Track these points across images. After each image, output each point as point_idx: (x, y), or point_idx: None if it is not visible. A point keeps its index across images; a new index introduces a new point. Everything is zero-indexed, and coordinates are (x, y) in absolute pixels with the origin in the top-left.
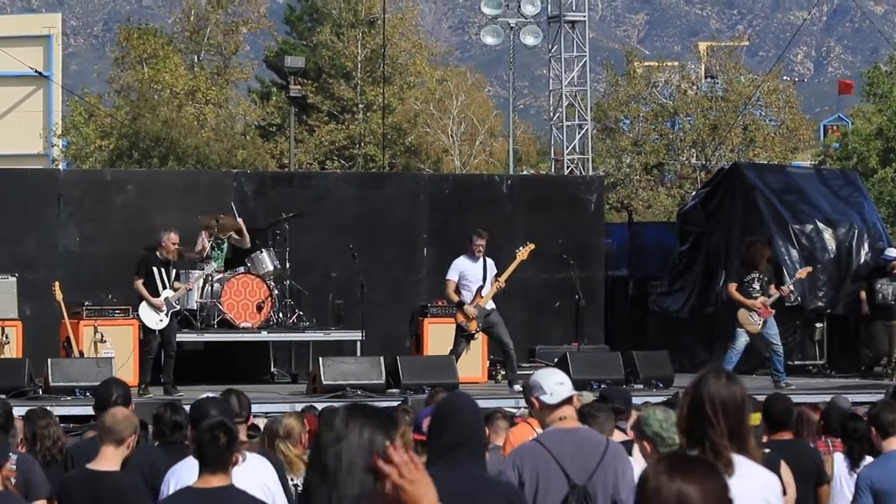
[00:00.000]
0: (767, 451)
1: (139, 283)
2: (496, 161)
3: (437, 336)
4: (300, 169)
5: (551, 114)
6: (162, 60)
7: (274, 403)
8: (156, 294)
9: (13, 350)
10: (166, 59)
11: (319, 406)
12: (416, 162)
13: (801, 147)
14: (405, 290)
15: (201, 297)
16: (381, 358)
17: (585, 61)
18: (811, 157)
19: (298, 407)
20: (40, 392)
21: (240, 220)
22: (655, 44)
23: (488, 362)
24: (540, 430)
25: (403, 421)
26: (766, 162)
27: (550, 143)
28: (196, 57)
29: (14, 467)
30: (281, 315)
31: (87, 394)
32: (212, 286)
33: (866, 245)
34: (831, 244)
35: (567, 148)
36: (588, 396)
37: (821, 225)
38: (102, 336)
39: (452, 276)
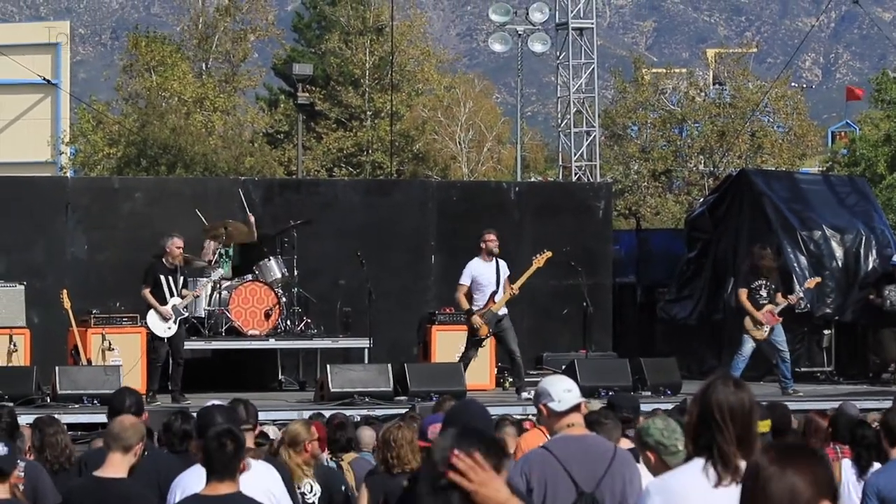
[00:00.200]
0: None
1: (146, 291)
2: (504, 168)
3: (445, 343)
4: (308, 176)
5: (559, 121)
6: (170, 68)
7: (282, 411)
8: (163, 302)
9: (21, 358)
10: (174, 66)
11: (327, 413)
12: (423, 169)
13: (808, 153)
14: (413, 298)
15: (209, 304)
16: (389, 365)
17: (593, 68)
18: (819, 163)
19: (306, 415)
20: (48, 400)
21: (250, 216)
22: (663, 50)
23: (496, 369)
24: (549, 437)
25: (413, 429)
26: (773, 168)
27: (558, 149)
28: (204, 64)
29: (22, 475)
30: (289, 322)
31: (95, 401)
32: (220, 294)
33: (874, 252)
34: (839, 251)
35: (575, 155)
36: (595, 404)
37: (829, 231)
38: (110, 344)
39: (465, 281)
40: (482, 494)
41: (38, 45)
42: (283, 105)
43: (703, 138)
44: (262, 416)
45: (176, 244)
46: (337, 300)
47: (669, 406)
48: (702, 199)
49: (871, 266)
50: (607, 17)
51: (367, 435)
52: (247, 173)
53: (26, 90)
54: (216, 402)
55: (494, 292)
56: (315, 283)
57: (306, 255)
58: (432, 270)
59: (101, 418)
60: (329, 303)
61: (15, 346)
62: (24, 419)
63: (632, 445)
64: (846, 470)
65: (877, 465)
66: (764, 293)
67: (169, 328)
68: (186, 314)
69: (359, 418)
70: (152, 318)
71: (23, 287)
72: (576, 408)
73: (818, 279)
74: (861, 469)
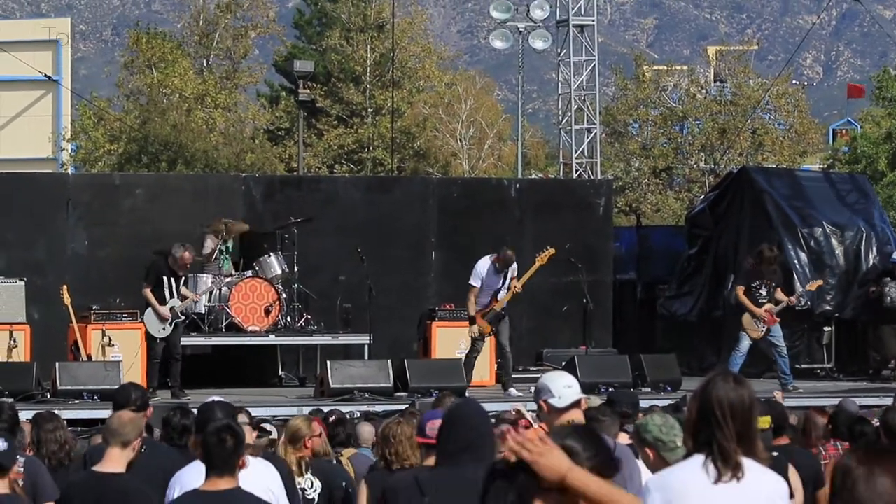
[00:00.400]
0: (775, 454)
1: (147, 290)
2: (505, 165)
3: (445, 339)
4: (309, 173)
5: (560, 118)
6: (171, 65)
7: (281, 407)
8: (163, 302)
9: (21, 354)
10: (175, 63)
11: (326, 409)
12: (424, 166)
13: (809, 151)
14: (413, 294)
15: (209, 301)
16: (389, 361)
17: (594, 65)
18: (820, 160)
19: (306, 411)
20: (48, 396)
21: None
22: (664, 48)
23: (496, 366)
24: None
25: (412, 424)
26: (774, 166)
27: (559, 146)
28: (205, 61)
29: (22, 470)
30: (289, 319)
31: (95, 397)
32: (220, 290)
33: (874, 249)
34: (839, 248)
35: (576, 152)
36: (595, 401)
37: (829, 229)
38: (110, 340)
39: (475, 282)
40: (542, 465)
41: (40, 42)
42: (284, 102)
43: (703, 135)
44: (261, 412)
45: (186, 259)
46: (337, 296)
47: (669, 402)
48: (702, 197)
49: (871, 263)
50: (608, 14)
51: (367, 431)
52: (248, 170)
53: (27, 87)
54: (217, 397)
55: (498, 290)
56: (315, 280)
57: (307, 252)
58: (432, 267)
59: (102, 414)
60: (329, 299)
61: (15, 341)
62: (24, 415)
63: (631, 441)
64: None
65: None
66: (764, 291)
67: (164, 329)
68: (183, 318)
69: (359, 414)
70: (149, 318)
71: (23, 283)
72: (576, 404)
73: (820, 282)
74: None
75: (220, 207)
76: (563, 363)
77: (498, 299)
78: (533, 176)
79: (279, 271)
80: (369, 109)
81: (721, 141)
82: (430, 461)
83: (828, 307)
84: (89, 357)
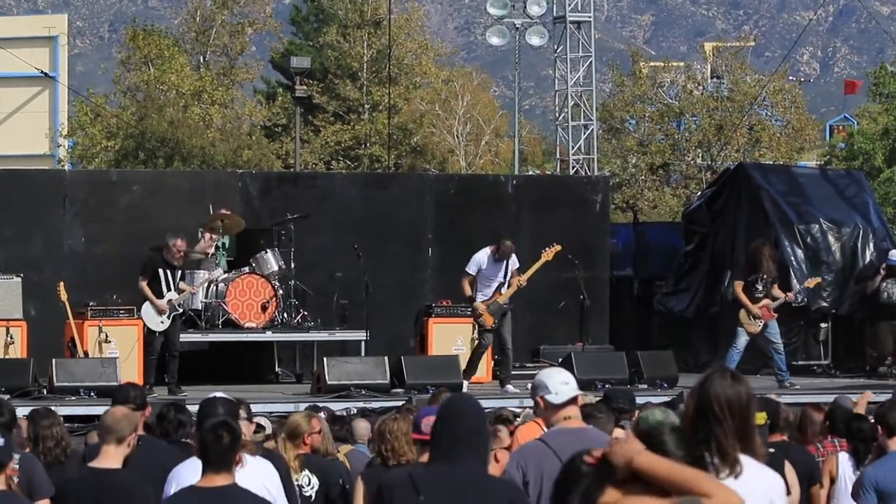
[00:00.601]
0: (772, 451)
1: (144, 284)
2: (502, 161)
3: (442, 336)
4: (306, 169)
5: (557, 114)
6: (168, 61)
7: (278, 403)
8: (160, 296)
9: (18, 350)
10: (172, 59)
11: (320, 405)
12: (421, 162)
13: (806, 147)
14: (410, 291)
15: (206, 297)
16: (386, 358)
17: (591, 62)
18: (817, 157)
19: (303, 407)
20: (45, 392)
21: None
22: (661, 44)
23: (493, 362)
24: (545, 430)
25: (409, 421)
26: (771, 162)
27: (556, 143)
28: (202, 57)
29: (17, 467)
30: (285, 315)
31: (92, 393)
32: (216, 286)
33: (871, 245)
34: (836, 245)
35: (572, 148)
36: (589, 398)
37: (826, 225)
38: (107, 336)
39: (471, 269)
40: (613, 451)
41: (36, 39)
42: (281, 98)
43: (700, 132)
44: (258, 408)
45: (178, 246)
46: (334, 293)
47: (665, 399)
48: (699, 193)
49: (868, 260)
50: (605, 11)
51: (363, 427)
52: (244, 166)
53: (24, 83)
54: (219, 393)
55: (501, 284)
56: (312, 276)
57: (303, 248)
58: (429, 263)
59: (98, 410)
60: (326, 295)
61: (12, 338)
62: (21, 411)
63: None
64: (843, 463)
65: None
66: (760, 287)
67: (162, 322)
68: (181, 310)
69: (355, 411)
70: (147, 311)
71: (20, 279)
72: (573, 400)
73: (818, 279)
74: (858, 462)
75: (216, 204)
76: (560, 359)
77: (501, 293)
78: (530, 172)
79: (276, 268)
80: (366, 106)
81: (718, 137)
82: (426, 458)
83: (824, 304)
84: (86, 353)
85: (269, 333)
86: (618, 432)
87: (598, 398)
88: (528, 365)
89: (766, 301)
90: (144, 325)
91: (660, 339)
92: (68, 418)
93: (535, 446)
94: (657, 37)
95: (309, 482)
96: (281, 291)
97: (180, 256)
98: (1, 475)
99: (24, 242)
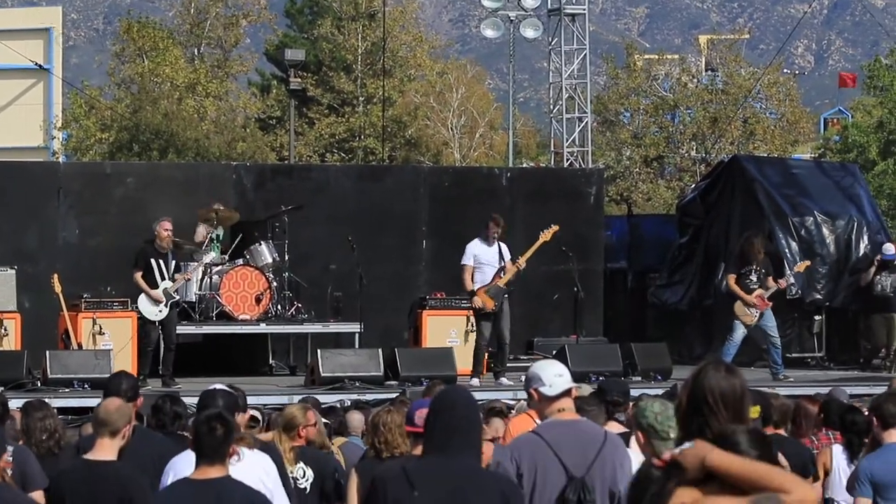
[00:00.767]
0: None
1: (138, 275)
2: (496, 154)
3: (436, 328)
4: (300, 161)
5: (551, 107)
6: (162, 53)
7: (272, 395)
8: (154, 286)
9: (12, 342)
10: (166, 51)
11: (317, 398)
12: (415, 155)
13: (801, 140)
14: (404, 283)
15: (200, 289)
16: (380, 350)
17: (585, 54)
18: (811, 150)
19: (296, 399)
20: (38, 384)
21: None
22: (656, 37)
23: (487, 355)
24: (539, 422)
25: (403, 413)
26: (766, 155)
27: (550, 135)
28: (196, 50)
29: (10, 459)
30: (279, 307)
31: (86, 386)
32: (210, 278)
33: (865, 238)
34: (830, 237)
35: (567, 141)
36: (586, 389)
37: (820, 217)
38: (101, 328)
39: (468, 261)
40: (684, 453)
41: (30, 31)
42: (276, 90)
43: (695, 124)
44: (252, 400)
45: (164, 226)
46: (328, 285)
47: (659, 391)
48: (693, 186)
49: (862, 252)
50: (599, 3)
51: (356, 419)
52: (239, 159)
53: (18, 75)
54: (220, 385)
55: (501, 269)
56: (306, 268)
57: (297, 240)
58: (423, 255)
59: (92, 402)
60: (320, 287)
61: (6, 330)
62: (15, 403)
63: (622, 429)
64: (837, 456)
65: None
66: (754, 278)
67: (160, 311)
68: (177, 298)
69: (349, 403)
70: (143, 302)
71: (14, 271)
72: (567, 392)
73: (807, 262)
74: (852, 454)
75: (211, 196)
76: (554, 352)
77: (501, 276)
78: (524, 165)
79: (270, 260)
80: (360, 98)
81: (712, 130)
82: (419, 450)
83: (818, 296)
84: (80, 345)
85: (263, 325)
86: (611, 425)
87: (594, 390)
88: (521, 357)
89: (759, 291)
90: (141, 316)
91: (654, 331)
92: (62, 410)
93: (529, 438)
94: (652, 29)
95: (304, 474)
96: (275, 283)
97: (169, 238)
98: None
99: (19, 234)
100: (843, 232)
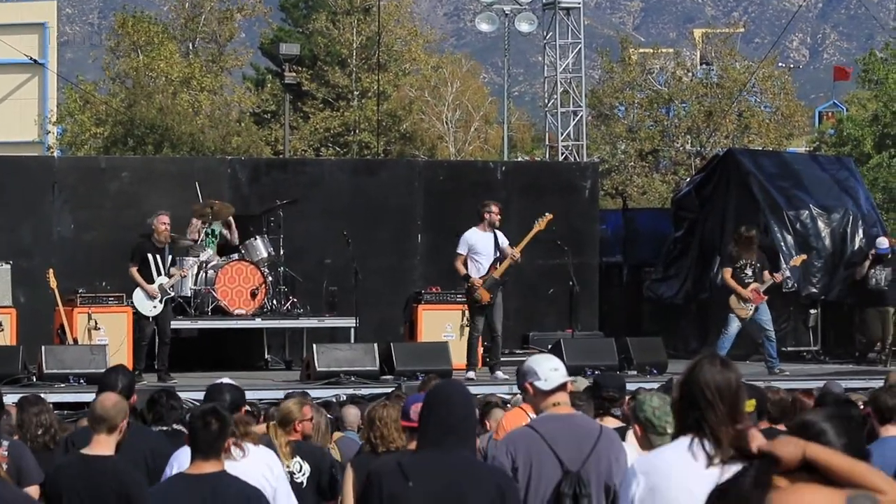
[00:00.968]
0: None
1: (134, 270)
2: (491, 148)
3: (431, 322)
4: (295, 156)
5: (546, 100)
6: (157, 48)
7: (268, 390)
8: (150, 281)
9: (7, 337)
10: (161, 46)
11: (312, 393)
12: (410, 149)
13: (796, 133)
14: (399, 277)
15: (195, 284)
16: (375, 344)
17: (580, 48)
18: (806, 143)
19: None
20: (34, 379)
21: (230, 217)
22: (651, 30)
23: (483, 349)
24: (533, 416)
25: (398, 408)
26: (760, 148)
27: (545, 129)
28: (191, 44)
29: (6, 454)
30: (275, 302)
31: (81, 381)
32: (206, 273)
33: (861, 231)
34: (826, 230)
35: (562, 134)
36: (582, 383)
37: (815, 211)
38: (96, 323)
39: (462, 250)
40: (777, 445)
41: (25, 25)
42: (270, 85)
43: (690, 118)
44: (248, 395)
45: (161, 220)
46: (323, 279)
47: (655, 385)
48: (688, 179)
49: (857, 246)
50: None
51: (352, 414)
52: (234, 153)
53: (13, 70)
54: (227, 380)
55: (496, 259)
56: (301, 263)
57: (292, 235)
58: (419, 250)
59: (88, 398)
60: (315, 282)
61: (1, 325)
62: (10, 398)
63: (617, 424)
64: None
65: None
66: (749, 272)
67: (155, 307)
68: (173, 293)
69: (345, 398)
70: (138, 297)
71: (9, 266)
72: (562, 387)
73: (803, 256)
74: None
75: (206, 190)
76: (549, 346)
77: (497, 267)
78: (519, 159)
79: (265, 254)
80: (355, 92)
81: (707, 124)
82: (415, 445)
83: (814, 289)
84: (75, 340)
85: (258, 320)
86: (607, 420)
87: (589, 384)
88: (517, 351)
89: (755, 284)
90: (136, 311)
91: (649, 325)
92: (58, 405)
93: (524, 433)
94: (646, 23)
95: (300, 469)
96: (270, 278)
97: (166, 233)
98: None
99: (14, 229)
100: (838, 225)
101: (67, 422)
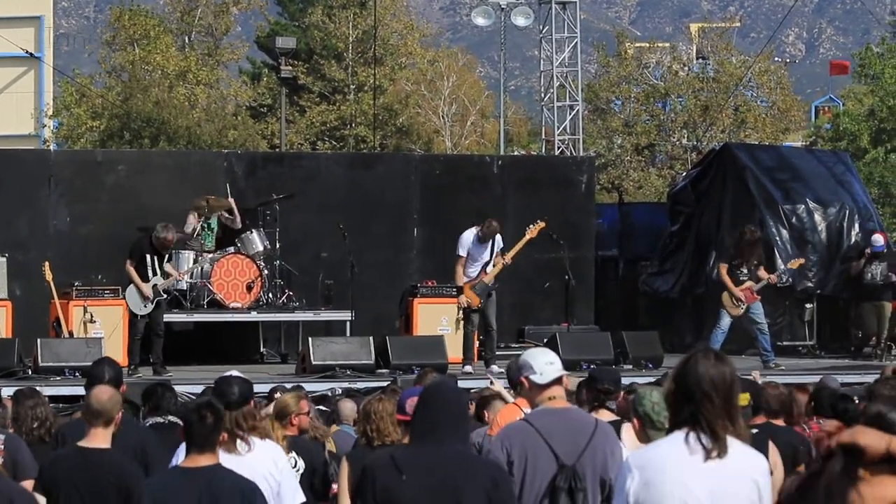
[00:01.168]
0: (755, 431)
1: (131, 267)
2: (487, 142)
3: (427, 316)
4: (291, 149)
5: (542, 95)
6: (153, 41)
7: (263, 384)
8: (146, 279)
9: (3, 330)
10: (157, 39)
11: (308, 387)
12: (407, 143)
13: (792, 128)
14: (395, 271)
15: (191, 277)
16: (371, 338)
17: (576, 42)
18: (802, 138)
19: (288, 387)
20: (30, 372)
21: (231, 200)
22: (647, 25)
23: (478, 343)
24: (528, 410)
25: (394, 401)
26: (757, 143)
27: (541, 123)
28: (187, 38)
29: (2, 447)
30: (271, 295)
31: (77, 374)
32: (202, 266)
33: (857, 226)
34: (822, 224)
35: (558, 129)
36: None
37: (812, 205)
38: (92, 316)
39: (462, 252)
40: (859, 438)
41: (21, 19)
42: (267, 78)
43: (686, 113)
44: None
45: (169, 239)
46: (319, 273)
47: (651, 379)
48: (684, 174)
49: (853, 240)
50: None
51: (348, 408)
52: (230, 146)
53: (9, 63)
54: (235, 372)
55: (486, 264)
56: (297, 256)
57: (289, 228)
58: (415, 243)
59: (83, 391)
60: (311, 275)
61: None
62: (6, 391)
63: (612, 417)
64: None
65: None
66: (745, 270)
67: (145, 307)
68: (165, 298)
69: (340, 391)
70: (131, 295)
71: (5, 259)
72: (557, 381)
73: (802, 260)
74: None
75: (202, 184)
76: (545, 340)
77: (487, 272)
78: (515, 153)
79: (261, 248)
80: (352, 86)
81: (703, 118)
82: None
83: (810, 284)
84: (71, 333)
85: (254, 314)
86: (602, 413)
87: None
88: (512, 345)
89: (749, 283)
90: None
91: (645, 319)
92: (53, 398)
93: (519, 427)
94: (643, 17)
95: (295, 465)
96: (266, 271)
97: (167, 248)
98: None
99: (10, 222)
100: (834, 220)
101: (63, 415)
